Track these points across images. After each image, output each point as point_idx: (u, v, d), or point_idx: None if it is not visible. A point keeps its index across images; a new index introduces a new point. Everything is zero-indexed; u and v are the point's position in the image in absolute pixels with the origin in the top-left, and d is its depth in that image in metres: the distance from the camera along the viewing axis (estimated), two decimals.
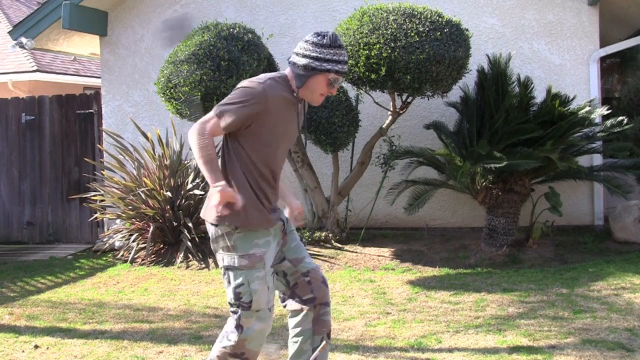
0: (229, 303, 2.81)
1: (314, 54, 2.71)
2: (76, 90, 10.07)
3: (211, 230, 2.81)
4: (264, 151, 2.77)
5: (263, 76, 2.77)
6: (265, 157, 2.78)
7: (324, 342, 3.04)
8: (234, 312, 2.79)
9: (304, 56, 2.72)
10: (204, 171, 2.69)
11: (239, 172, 2.77)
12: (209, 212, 2.79)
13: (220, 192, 2.60)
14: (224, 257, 2.79)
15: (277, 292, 3.02)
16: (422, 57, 5.44)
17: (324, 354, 3.01)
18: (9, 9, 13.55)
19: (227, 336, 2.79)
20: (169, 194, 6.68)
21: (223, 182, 2.65)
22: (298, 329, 2.99)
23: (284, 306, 3.02)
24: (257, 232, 2.76)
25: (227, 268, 2.77)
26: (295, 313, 3.00)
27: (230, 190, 2.64)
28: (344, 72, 2.77)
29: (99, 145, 8.05)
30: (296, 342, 3.01)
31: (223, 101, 2.72)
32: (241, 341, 2.76)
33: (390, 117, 6.36)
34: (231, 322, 2.80)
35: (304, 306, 2.96)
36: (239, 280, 2.74)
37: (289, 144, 2.92)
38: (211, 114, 2.72)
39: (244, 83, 2.74)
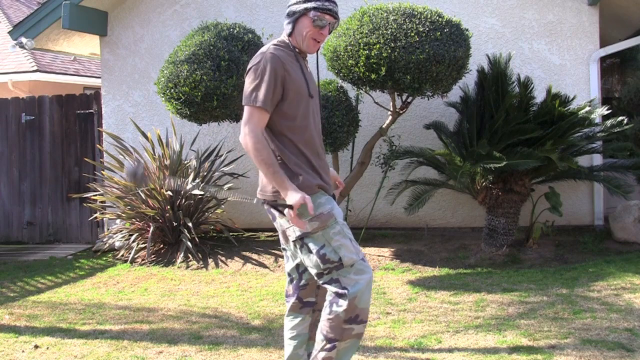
0: (319, 273, 2.72)
1: (294, 0, 2.79)
2: (76, 90, 10.08)
3: (273, 208, 2.79)
4: (297, 118, 2.76)
5: (262, 48, 2.81)
6: (299, 126, 2.77)
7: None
8: (331, 281, 2.70)
9: (288, 7, 2.82)
10: (268, 175, 2.67)
11: (280, 147, 2.75)
12: (264, 192, 2.78)
13: (294, 203, 2.60)
14: (294, 229, 2.73)
15: (288, 286, 2.99)
16: (422, 57, 5.44)
17: None
18: (9, 9, 13.55)
19: (337, 302, 2.69)
20: (169, 193, 6.68)
21: (292, 188, 2.63)
22: (294, 332, 2.96)
23: (287, 302, 3.01)
24: (316, 194, 2.74)
25: (302, 238, 2.71)
26: (292, 313, 2.98)
27: (300, 196, 2.61)
28: (326, 8, 2.74)
29: (98, 146, 8.05)
30: (290, 345, 2.98)
31: (246, 91, 2.72)
32: (352, 302, 2.66)
33: (390, 117, 6.36)
34: (331, 294, 2.71)
35: (301, 308, 2.94)
36: (319, 243, 2.70)
37: (315, 110, 2.88)
38: (246, 109, 2.72)
39: (251, 63, 2.75)
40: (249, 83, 2.72)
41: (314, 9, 2.73)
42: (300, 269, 2.94)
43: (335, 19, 2.80)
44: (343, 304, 2.66)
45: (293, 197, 2.62)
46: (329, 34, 2.83)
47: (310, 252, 2.72)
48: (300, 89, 2.76)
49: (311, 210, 2.63)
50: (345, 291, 2.66)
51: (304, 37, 2.78)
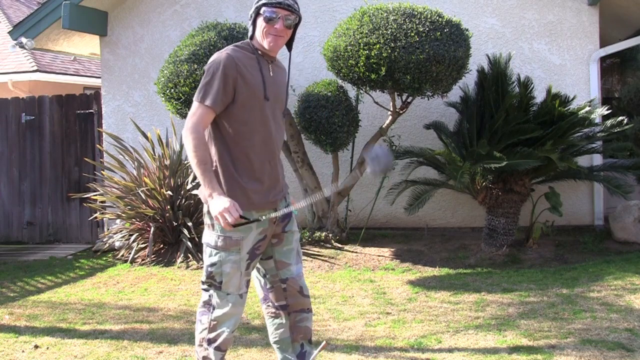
0: (201, 281, 2.84)
1: (252, 6, 2.80)
2: (76, 90, 10.08)
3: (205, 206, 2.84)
4: (248, 122, 2.73)
5: (224, 48, 2.81)
6: (251, 131, 2.73)
7: (324, 343, 3.03)
8: (206, 290, 2.82)
9: None
10: (197, 173, 2.67)
11: (220, 152, 2.74)
12: (201, 191, 2.79)
13: (220, 209, 2.59)
14: (205, 233, 2.82)
15: (258, 289, 3.00)
16: (422, 57, 5.44)
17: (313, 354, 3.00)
18: (9, 9, 13.55)
19: (200, 320, 2.83)
20: (169, 193, 6.68)
21: (218, 193, 2.64)
22: (277, 337, 2.98)
23: (262, 306, 3.01)
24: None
25: (206, 244, 2.81)
26: (270, 317, 2.98)
27: (226, 204, 2.60)
28: (276, 2, 2.71)
29: (98, 146, 8.05)
30: (277, 349, 3.01)
31: (199, 87, 2.71)
32: (214, 323, 2.78)
33: (390, 117, 6.36)
34: (201, 303, 2.84)
35: (277, 311, 2.94)
36: (213, 260, 2.77)
37: (273, 115, 2.82)
38: (194, 104, 2.71)
39: (209, 62, 2.75)
40: (202, 80, 2.72)
41: (264, 5, 2.73)
42: (261, 272, 2.95)
43: (291, 12, 2.75)
44: (205, 322, 2.81)
45: (216, 205, 2.62)
46: (290, 29, 2.78)
47: (205, 260, 2.81)
48: (254, 92, 2.72)
49: (236, 215, 2.60)
50: (212, 308, 2.79)
51: (261, 35, 2.76)
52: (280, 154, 2.91)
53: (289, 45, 2.90)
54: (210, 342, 2.79)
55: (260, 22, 2.74)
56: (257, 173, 2.75)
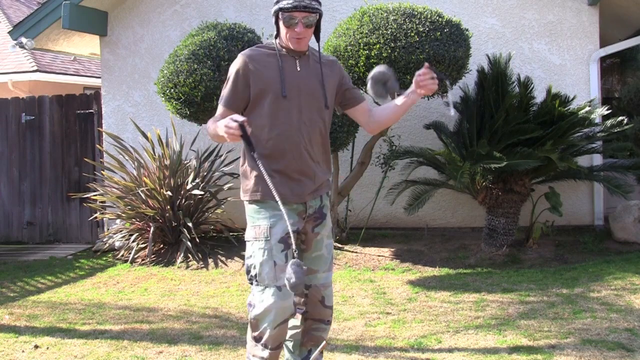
0: (247, 279, 2.80)
1: (272, 7, 2.83)
2: (76, 90, 10.08)
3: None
4: (264, 116, 2.76)
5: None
6: (267, 124, 2.75)
7: (323, 342, 3.03)
8: (251, 287, 2.78)
9: None
10: (217, 132, 2.69)
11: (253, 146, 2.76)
12: (241, 190, 2.87)
13: (222, 125, 2.60)
14: (247, 229, 2.81)
15: None
16: (422, 57, 5.44)
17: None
18: (9, 9, 13.55)
19: (249, 312, 2.78)
20: (169, 193, 6.68)
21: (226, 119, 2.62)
22: (290, 333, 2.98)
23: None
24: (266, 205, 2.74)
25: (246, 240, 2.79)
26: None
27: (234, 123, 2.56)
28: (291, 7, 2.70)
29: (98, 146, 8.05)
30: (286, 346, 3.01)
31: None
32: (255, 321, 2.71)
33: None
34: (248, 300, 2.82)
35: (296, 311, 2.93)
36: (248, 252, 2.76)
37: (299, 109, 2.79)
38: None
39: None
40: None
41: (280, 10, 2.75)
42: None
43: (308, 12, 2.73)
44: (250, 316, 2.76)
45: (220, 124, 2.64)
46: (309, 27, 2.77)
47: (245, 256, 2.80)
48: (269, 87, 2.74)
49: (234, 124, 2.55)
50: (252, 307, 2.74)
51: (285, 37, 2.79)
52: (316, 148, 2.85)
53: (317, 35, 2.90)
54: (257, 339, 2.74)
55: (281, 25, 2.78)
56: (277, 166, 2.76)
